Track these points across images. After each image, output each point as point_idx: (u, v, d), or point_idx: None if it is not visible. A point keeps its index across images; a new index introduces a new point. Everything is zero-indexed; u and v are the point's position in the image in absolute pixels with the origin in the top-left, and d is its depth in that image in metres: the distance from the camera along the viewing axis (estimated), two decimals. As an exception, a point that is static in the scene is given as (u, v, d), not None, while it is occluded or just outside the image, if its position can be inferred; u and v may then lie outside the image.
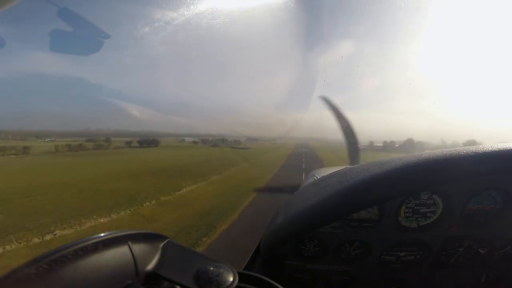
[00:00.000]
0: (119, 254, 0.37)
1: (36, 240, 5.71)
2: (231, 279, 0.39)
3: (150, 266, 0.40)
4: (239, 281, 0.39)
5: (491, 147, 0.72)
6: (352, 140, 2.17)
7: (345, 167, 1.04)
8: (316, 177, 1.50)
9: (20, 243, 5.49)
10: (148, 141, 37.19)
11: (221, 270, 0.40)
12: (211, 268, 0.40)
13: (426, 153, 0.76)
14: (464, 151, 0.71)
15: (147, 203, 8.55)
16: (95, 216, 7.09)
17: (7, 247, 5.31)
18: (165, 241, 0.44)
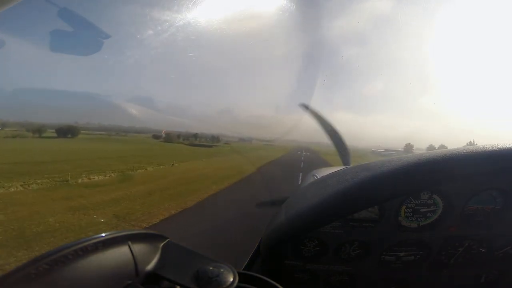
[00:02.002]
0: (119, 254, 0.37)
1: None
2: (231, 279, 0.39)
3: (150, 266, 0.40)
4: (239, 281, 0.39)
5: (491, 147, 0.72)
6: (340, 142, 2.20)
7: (345, 167, 1.04)
8: (316, 177, 1.50)
9: None
10: (64, 131, 30.39)
11: (221, 270, 0.40)
12: (211, 268, 0.40)
13: (426, 153, 0.76)
14: (464, 151, 0.71)
15: None
16: None
17: None
18: (165, 241, 0.44)
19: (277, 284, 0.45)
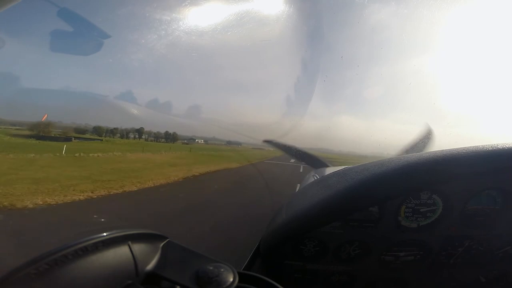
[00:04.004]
0: (119, 254, 0.37)
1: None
2: (231, 279, 0.39)
3: (150, 266, 0.40)
4: (239, 281, 0.39)
5: (491, 147, 0.72)
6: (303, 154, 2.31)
7: (345, 167, 1.04)
8: (316, 177, 1.50)
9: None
10: None
11: (221, 270, 0.40)
12: (211, 268, 0.40)
13: (426, 153, 0.76)
14: (464, 151, 0.71)
15: None
16: None
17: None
18: (165, 241, 0.44)
19: (277, 284, 0.45)
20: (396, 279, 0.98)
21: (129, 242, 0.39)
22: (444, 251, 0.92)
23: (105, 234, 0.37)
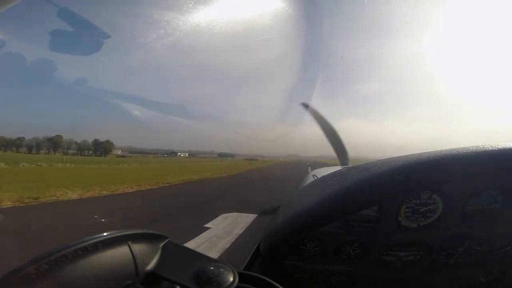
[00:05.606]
0: (119, 254, 0.37)
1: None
2: (231, 279, 0.39)
3: (150, 266, 0.40)
4: (239, 281, 0.39)
5: (492, 146, 0.72)
6: (338, 143, 2.22)
7: (345, 167, 1.04)
8: (316, 177, 1.51)
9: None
10: None
11: (221, 270, 0.40)
12: (211, 268, 0.40)
13: (426, 153, 0.77)
14: (464, 151, 0.72)
15: None
16: None
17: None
18: (165, 241, 0.44)
19: (277, 284, 0.45)
20: (396, 279, 0.98)
21: (129, 242, 0.39)
22: (444, 251, 0.92)
23: (105, 234, 0.37)
